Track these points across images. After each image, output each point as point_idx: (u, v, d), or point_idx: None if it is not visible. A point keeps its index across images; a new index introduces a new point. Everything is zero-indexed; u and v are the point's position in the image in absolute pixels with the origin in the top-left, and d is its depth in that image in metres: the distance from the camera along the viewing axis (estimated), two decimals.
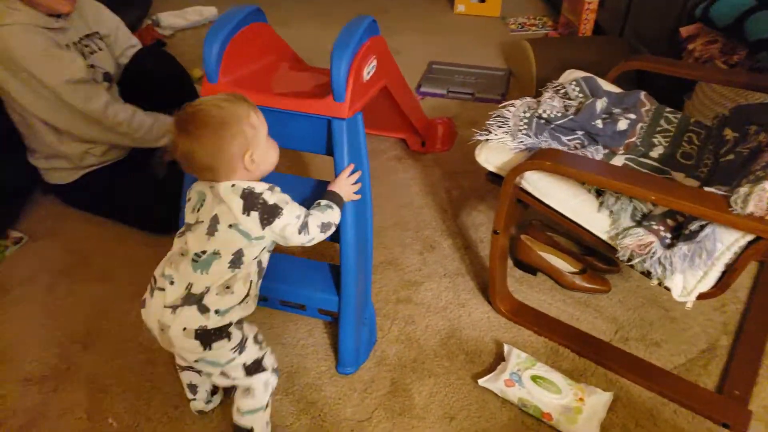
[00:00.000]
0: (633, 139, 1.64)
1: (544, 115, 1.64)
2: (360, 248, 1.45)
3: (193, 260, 1.16)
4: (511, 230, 1.66)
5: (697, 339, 1.62)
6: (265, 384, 1.29)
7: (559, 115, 1.64)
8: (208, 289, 1.16)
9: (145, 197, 1.90)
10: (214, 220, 1.15)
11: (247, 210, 1.14)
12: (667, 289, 1.35)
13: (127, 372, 1.52)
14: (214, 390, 1.43)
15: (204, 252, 1.15)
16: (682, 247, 1.31)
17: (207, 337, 1.17)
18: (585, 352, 1.59)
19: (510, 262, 1.84)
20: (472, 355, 1.58)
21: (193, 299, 1.16)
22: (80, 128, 1.82)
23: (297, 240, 1.20)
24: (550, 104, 1.68)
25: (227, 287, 1.17)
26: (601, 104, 1.68)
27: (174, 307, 1.16)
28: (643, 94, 1.76)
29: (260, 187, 1.16)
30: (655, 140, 1.66)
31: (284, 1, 3.56)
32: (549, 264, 1.80)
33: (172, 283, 1.17)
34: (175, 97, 2.11)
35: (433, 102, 2.63)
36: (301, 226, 1.20)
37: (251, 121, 1.16)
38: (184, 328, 1.16)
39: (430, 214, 2.04)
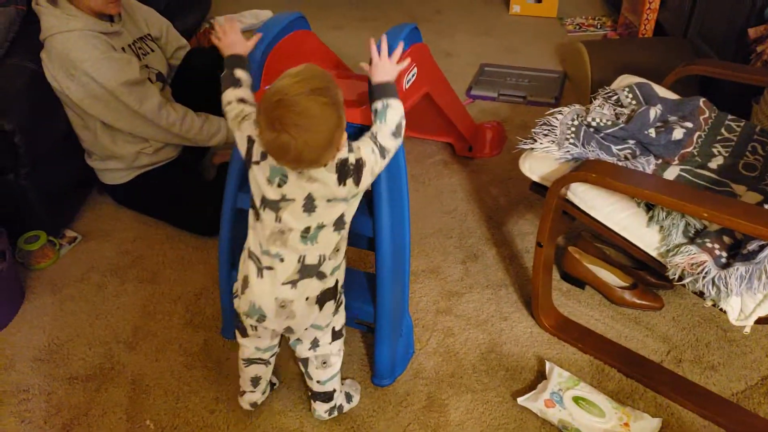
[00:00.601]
0: (689, 149, 1.55)
1: (593, 124, 1.57)
2: (396, 258, 1.43)
3: (302, 237, 1.16)
4: (556, 242, 1.60)
5: (758, 364, 1.52)
6: (339, 350, 1.37)
7: (609, 123, 1.57)
8: (322, 257, 1.19)
9: (195, 200, 1.94)
10: (309, 199, 1.13)
11: (341, 180, 1.13)
12: (723, 311, 1.28)
13: (167, 374, 1.55)
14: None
15: (308, 228, 1.16)
16: (740, 268, 1.23)
17: (322, 298, 1.23)
18: (633, 373, 1.51)
19: (557, 275, 1.78)
20: (513, 372, 1.53)
21: (311, 270, 1.19)
22: (135, 128, 1.88)
23: (384, 165, 1.21)
24: (600, 112, 1.61)
25: (336, 249, 1.21)
26: (654, 112, 1.59)
27: (293, 282, 1.18)
28: (702, 101, 1.67)
29: (344, 152, 1.14)
30: (714, 150, 1.57)
31: (336, 6, 3.57)
32: (597, 277, 1.73)
33: (282, 260, 1.17)
34: None
35: (484, 105, 2.57)
36: (380, 153, 1.18)
37: (341, 98, 1.10)
38: (307, 298, 1.20)
39: (475, 221, 1.99)
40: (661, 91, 1.73)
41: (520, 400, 1.44)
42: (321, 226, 1.16)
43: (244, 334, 1.32)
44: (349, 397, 1.46)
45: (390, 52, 1.28)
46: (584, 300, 1.72)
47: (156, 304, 1.75)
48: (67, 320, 1.71)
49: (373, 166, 1.17)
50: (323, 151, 1.08)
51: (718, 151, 1.57)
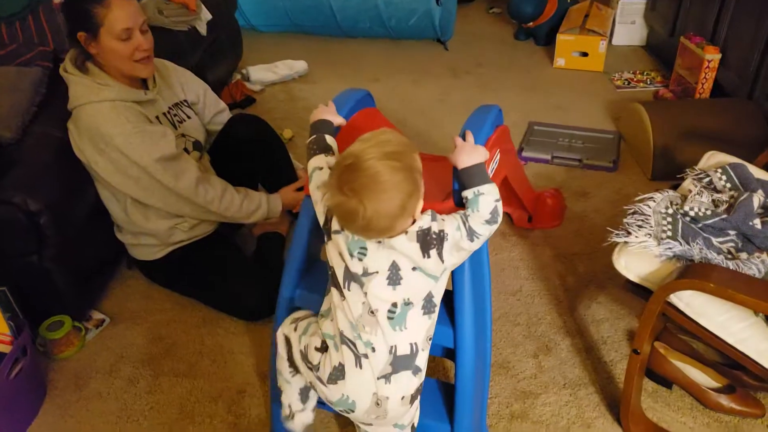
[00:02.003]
0: None
1: (691, 213, 1.41)
2: (479, 369, 1.25)
3: (389, 317, 1.05)
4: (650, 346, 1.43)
5: None
6: None
7: (709, 213, 1.41)
8: (414, 347, 1.07)
9: (236, 279, 1.77)
10: (394, 268, 1.04)
11: (425, 252, 1.03)
12: None
13: None
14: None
15: (395, 305, 1.05)
16: None
17: (415, 396, 1.12)
18: None
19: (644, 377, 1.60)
20: None
21: (405, 362, 1.07)
22: (169, 205, 1.72)
23: (474, 247, 1.08)
24: (698, 200, 1.44)
25: (429, 338, 1.11)
26: (758, 199, 1.43)
27: (387, 376, 1.07)
28: None
29: (426, 220, 1.05)
30: None
31: (373, 56, 3.46)
32: (687, 377, 1.54)
33: (374, 350, 1.06)
34: (267, 165, 2.03)
35: (537, 168, 2.41)
36: (467, 234, 1.06)
37: (417, 165, 1.03)
38: (403, 397, 1.09)
39: (542, 305, 1.81)
40: (756, 172, 1.57)
41: None
42: (408, 303, 1.06)
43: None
44: None
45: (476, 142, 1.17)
46: (674, 403, 1.53)
47: (194, 403, 1.56)
48: (95, 424, 1.52)
49: (459, 242, 1.06)
50: (394, 221, 1.00)
51: None
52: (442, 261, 1.04)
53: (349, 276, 1.06)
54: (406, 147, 1.02)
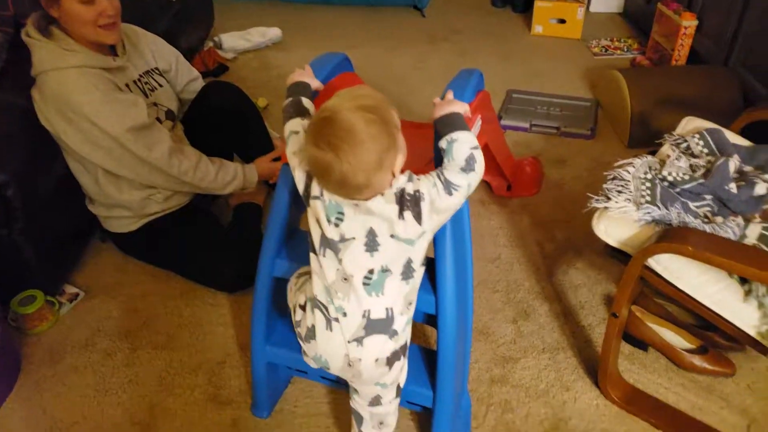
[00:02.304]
0: None
1: (669, 178, 1.42)
2: (460, 335, 1.25)
3: (364, 284, 1.05)
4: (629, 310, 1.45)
5: None
6: (396, 408, 1.26)
7: (687, 178, 1.42)
8: (390, 311, 1.07)
9: (213, 251, 1.75)
10: (371, 234, 1.03)
11: (400, 213, 1.01)
12: None
13: None
14: None
15: (372, 271, 1.05)
16: None
17: (393, 358, 1.12)
18: None
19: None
20: None
21: (379, 326, 1.08)
22: (142, 176, 1.68)
23: (455, 203, 1.05)
24: (676, 165, 1.45)
25: (409, 303, 1.11)
26: (734, 164, 1.45)
27: (359, 339, 1.08)
28: None
29: (402, 181, 1.02)
30: None
31: (351, 25, 3.39)
32: (662, 339, 1.57)
33: (345, 314, 1.07)
34: (242, 134, 1.99)
35: (516, 137, 2.40)
36: (444, 188, 1.03)
37: (395, 120, 1.01)
38: (377, 359, 1.09)
39: (521, 271, 1.83)
40: (732, 137, 1.58)
41: None
42: (385, 270, 1.05)
43: None
44: None
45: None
46: (650, 364, 1.57)
47: (174, 375, 1.55)
48: (71, 398, 1.50)
49: (435, 200, 1.03)
50: (370, 175, 0.97)
51: None
52: (420, 223, 1.02)
53: (325, 242, 1.06)
54: (382, 102, 1.00)
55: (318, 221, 1.06)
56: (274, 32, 3.12)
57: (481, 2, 3.70)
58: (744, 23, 2.29)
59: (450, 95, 1.17)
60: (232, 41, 3.02)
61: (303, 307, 1.13)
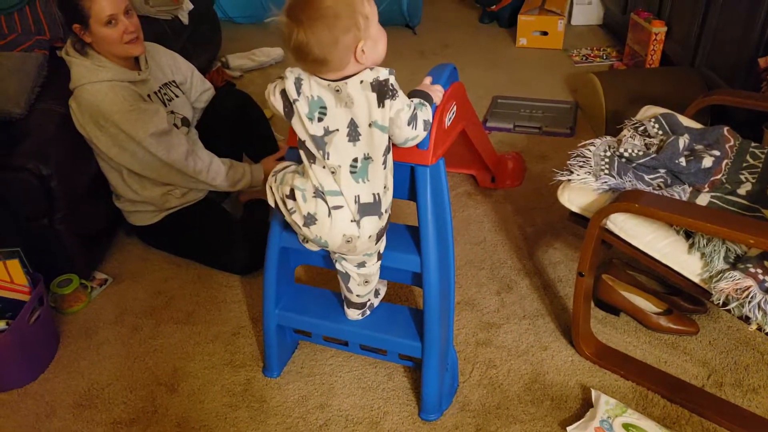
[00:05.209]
0: (718, 177, 1.59)
1: (626, 154, 1.61)
2: (443, 292, 1.44)
3: (351, 172, 1.20)
4: (594, 271, 1.62)
5: None
6: (378, 270, 1.43)
7: (641, 153, 1.61)
8: (377, 196, 1.24)
9: (225, 240, 1.95)
10: (353, 125, 1.17)
11: (381, 101, 1.14)
12: None
13: (212, 416, 1.54)
14: None
15: (356, 160, 1.19)
16: None
17: (380, 234, 1.31)
18: (677, 399, 1.52)
19: (591, 302, 1.80)
20: (558, 401, 1.53)
21: (370, 209, 1.24)
22: (162, 176, 1.90)
23: (405, 132, 1.19)
24: (631, 143, 1.65)
25: (385, 187, 1.25)
26: (683, 141, 1.63)
27: (357, 221, 1.24)
28: (726, 129, 1.71)
29: (384, 73, 1.15)
30: (742, 177, 1.61)
31: None
32: (632, 304, 1.74)
33: (340, 204, 1.23)
34: (250, 136, 2.21)
35: (500, 137, 2.61)
36: (411, 117, 1.18)
37: (364, 11, 1.12)
38: (370, 236, 1.27)
39: (504, 251, 2.01)
40: (685, 121, 1.78)
41: (570, 429, 1.44)
42: (368, 158, 1.20)
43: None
44: (377, 293, 1.55)
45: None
46: (620, 327, 1.74)
47: (194, 345, 1.74)
48: (105, 364, 1.70)
49: (403, 114, 1.17)
50: (326, 51, 1.09)
51: (746, 178, 1.60)
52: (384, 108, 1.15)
53: (312, 142, 1.19)
54: None
55: (303, 123, 1.18)
56: (276, 52, 3.37)
57: (470, 19, 3.93)
58: (705, 28, 2.50)
59: (428, 80, 1.37)
60: (239, 61, 3.27)
61: (290, 197, 1.25)
